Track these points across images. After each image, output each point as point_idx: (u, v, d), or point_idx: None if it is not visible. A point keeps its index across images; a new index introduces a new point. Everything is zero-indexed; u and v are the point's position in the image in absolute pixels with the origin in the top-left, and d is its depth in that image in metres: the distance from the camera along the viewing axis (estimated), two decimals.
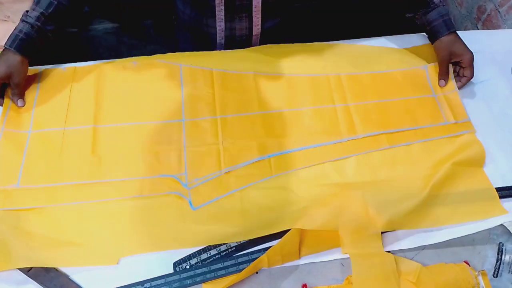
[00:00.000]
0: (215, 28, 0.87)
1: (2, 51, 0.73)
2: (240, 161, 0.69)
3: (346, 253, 0.61)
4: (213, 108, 0.75)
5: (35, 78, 0.78)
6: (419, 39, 0.89)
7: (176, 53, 0.83)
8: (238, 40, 0.90)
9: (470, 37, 0.87)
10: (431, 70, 0.83)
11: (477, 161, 0.72)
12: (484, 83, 0.83)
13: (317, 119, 0.75)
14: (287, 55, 0.84)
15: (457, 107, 0.78)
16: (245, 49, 0.85)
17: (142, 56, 0.82)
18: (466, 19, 1.30)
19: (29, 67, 0.76)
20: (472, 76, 0.80)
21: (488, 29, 1.18)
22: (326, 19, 1.58)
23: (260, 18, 0.86)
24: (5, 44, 0.72)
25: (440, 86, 0.80)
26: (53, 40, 0.76)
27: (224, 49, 0.91)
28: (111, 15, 1.59)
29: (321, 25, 1.57)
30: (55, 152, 0.69)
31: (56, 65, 0.81)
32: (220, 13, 0.84)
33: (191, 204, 0.65)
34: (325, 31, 0.99)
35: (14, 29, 0.73)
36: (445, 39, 0.80)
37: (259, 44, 0.91)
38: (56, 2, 0.73)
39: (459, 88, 0.80)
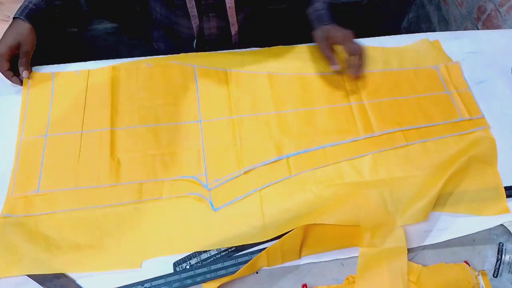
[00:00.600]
0: (185, 26, 0.88)
1: (12, 22, 0.75)
2: (259, 160, 0.70)
3: (364, 249, 0.61)
4: (229, 109, 0.76)
5: (49, 82, 0.78)
6: (418, 39, 0.89)
7: (189, 53, 0.83)
8: (207, 39, 0.91)
9: (470, 37, 0.88)
10: (442, 69, 0.83)
11: (490, 158, 0.72)
12: (484, 83, 0.83)
13: (333, 118, 0.76)
14: (299, 55, 0.84)
15: (470, 104, 0.79)
16: (256, 49, 0.85)
17: (154, 57, 0.82)
18: (466, 19, 1.29)
19: (41, 72, 0.78)
20: (358, 51, 0.76)
21: (488, 29, 1.18)
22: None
23: (235, 17, 0.86)
24: (15, 14, 0.75)
25: (333, 69, 0.78)
26: (59, 18, 0.79)
27: (196, 49, 0.91)
28: (111, 15, 1.59)
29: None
30: (73, 156, 0.69)
31: (60, 64, 0.81)
32: (193, 11, 0.84)
33: (212, 205, 0.65)
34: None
35: (24, 1, 0.75)
36: (317, 31, 0.81)
37: (239, 42, 0.91)
38: None
39: (358, 73, 0.77)
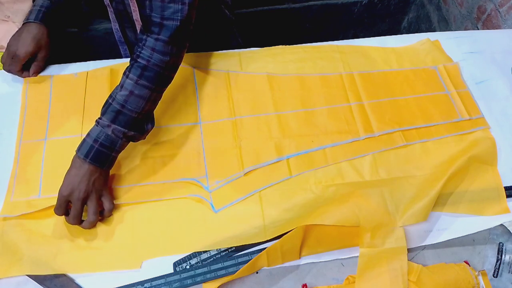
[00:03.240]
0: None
1: (25, 26, 0.75)
2: (259, 161, 0.70)
3: (364, 249, 0.61)
4: (229, 110, 0.76)
5: (47, 86, 0.77)
6: (419, 39, 0.89)
7: (188, 53, 0.82)
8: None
9: (470, 37, 0.87)
10: (441, 70, 0.83)
11: (490, 158, 0.72)
12: (484, 83, 0.83)
13: (333, 118, 0.76)
14: (298, 55, 0.84)
15: (470, 104, 0.79)
16: (255, 49, 0.85)
17: None
18: (466, 19, 1.29)
19: (40, 74, 0.78)
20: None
21: (488, 29, 1.17)
22: (323, 19, 1.58)
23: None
24: (27, 19, 0.75)
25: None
26: (66, 13, 0.80)
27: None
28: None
29: (317, 25, 1.57)
30: None
31: (60, 65, 0.81)
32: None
33: (213, 206, 0.66)
34: (321, 31, 0.98)
35: (34, 6, 0.76)
36: None
37: None
38: None
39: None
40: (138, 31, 0.74)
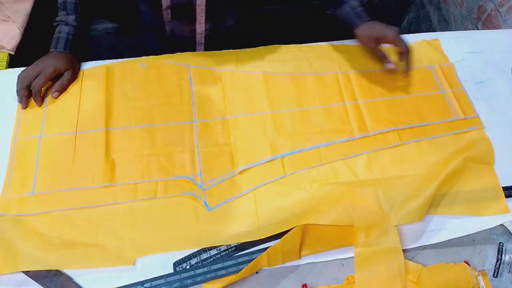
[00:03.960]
0: (180, 29, 0.87)
1: (54, 53, 0.77)
2: (253, 160, 0.70)
3: (358, 249, 0.61)
4: (223, 109, 0.76)
5: None
6: (418, 39, 0.89)
7: (185, 53, 0.83)
8: (192, 41, 0.90)
9: (470, 37, 0.88)
10: (436, 70, 0.84)
11: (486, 158, 0.72)
12: (484, 83, 0.83)
13: (328, 117, 0.76)
14: (293, 55, 0.84)
15: (465, 104, 0.79)
16: (251, 49, 0.85)
17: (150, 56, 0.82)
18: (466, 19, 1.30)
19: None
20: (407, 49, 0.75)
21: (488, 29, 1.18)
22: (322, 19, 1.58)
23: (204, 17, 0.84)
24: (55, 47, 0.77)
25: (387, 68, 0.79)
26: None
27: (186, 50, 0.90)
28: (111, 15, 1.59)
29: (316, 25, 1.57)
30: (68, 157, 0.69)
31: None
32: (167, 16, 0.84)
33: (206, 205, 0.66)
34: (321, 31, 0.98)
35: (59, 33, 0.78)
36: (360, 29, 0.79)
37: (204, 43, 0.90)
38: (78, 1, 0.80)
39: (407, 70, 0.77)
40: None
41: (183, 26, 0.86)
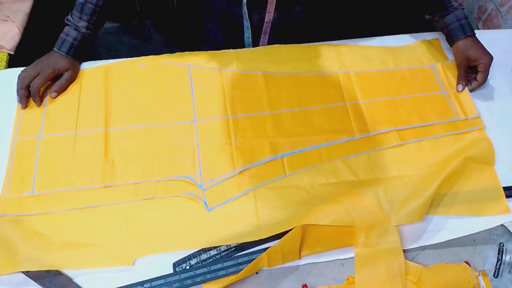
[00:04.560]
0: (242, 17, 0.87)
1: (56, 54, 0.76)
2: (254, 160, 0.70)
3: (359, 249, 0.61)
4: (224, 109, 0.76)
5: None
6: (419, 39, 0.89)
7: (184, 52, 0.83)
8: (264, 30, 0.90)
9: None
10: (439, 69, 0.83)
11: (487, 158, 0.72)
12: (484, 83, 0.83)
13: (328, 118, 0.76)
14: (294, 54, 0.84)
15: (467, 104, 0.78)
16: (252, 48, 0.85)
17: (149, 56, 0.82)
18: None
19: None
20: (483, 82, 0.79)
21: (488, 29, 1.17)
22: (337, 14, 1.58)
23: (274, 6, 0.85)
24: (59, 49, 0.76)
25: (457, 90, 0.80)
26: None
27: (252, 39, 0.91)
28: (111, 15, 1.59)
29: (317, 24, 1.57)
30: (67, 157, 0.69)
31: None
32: (243, 10, 0.84)
33: (206, 205, 0.66)
34: (321, 31, 0.98)
35: (67, 36, 0.77)
36: (461, 44, 0.80)
37: (269, 33, 0.91)
38: (98, 9, 0.78)
39: (470, 91, 0.80)
40: None
41: (253, 14, 0.86)
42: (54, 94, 0.75)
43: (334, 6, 1.47)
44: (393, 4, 1.38)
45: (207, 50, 0.86)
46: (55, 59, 0.76)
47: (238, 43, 0.91)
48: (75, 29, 0.77)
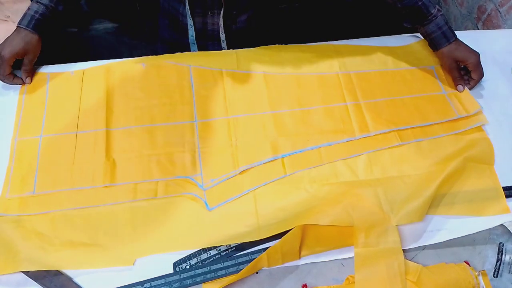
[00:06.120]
0: (188, 18, 0.88)
1: (17, 30, 0.75)
2: (254, 160, 0.70)
3: (358, 249, 0.61)
4: (224, 109, 0.76)
5: (44, 83, 0.78)
6: (418, 39, 0.89)
7: (185, 53, 0.84)
8: (210, 35, 0.91)
9: (470, 37, 0.87)
10: (438, 69, 0.84)
11: (486, 158, 0.72)
12: (484, 83, 0.83)
13: (329, 118, 0.76)
14: (294, 55, 0.84)
15: (467, 101, 0.78)
16: (252, 48, 0.85)
17: (150, 56, 0.82)
18: (467, 19, 1.30)
19: (36, 71, 0.79)
20: (480, 77, 0.80)
21: (488, 29, 1.17)
22: (324, 18, 1.58)
23: (222, 17, 0.86)
24: (20, 23, 0.75)
25: (459, 91, 0.80)
26: (62, 20, 0.80)
27: (196, 42, 0.91)
28: (111, 15, 1.60)
29: (317, 24, 1.57)
30: (69, 157, 0.69)
31: (61, 64, 0.81)
32: (186, 8, 0.85)
33: (207, 205, 0.66)
34: (322, 31, 0.99)
35: (28, 10, 0.76)
36: (446, 50, 0.80)
37: (230, 41, 0.91)
38: None
39: (461, 90, 0.80)
40: None
41: (195, 17, 0.87)
42: (28, 79, 0.77)
43: (286, 13, 1.47)
44: (370, 10, 1.38)
45: (158, 48, 0.86)
46: (12, 41, 0.74)
47: (184, 44, 0.92)
48: (37, 2, 0.76)
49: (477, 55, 0.79)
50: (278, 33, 1.02)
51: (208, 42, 0.92)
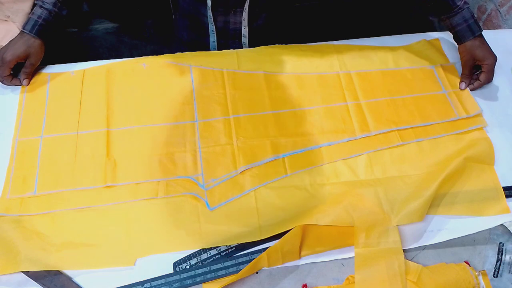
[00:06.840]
0: (209, 18, 0.87)
1: (20, 34, 0.76)
2: (255, 160, 0.70)
3: (359, 249, 0.61)
4: (225, 108, 0.76)
5: (44, 83, 0.78)
6: (418, 39, 0.89)
7: (185, 52, 0.84)
8: (232, 34, 0.90)
9: None
10: (438, 69, 0.84)
11: (487, 158, 0.72)
12: (487, 83, 0.83)
13: (330, 117, 0.76)
14: (295, 54, 0.84)
15: (468, 102, 0.79)
16: (252, 48, 0.85)
17: (150, 56, 0.82)
18: None
19: (37, 72, 0.79)
20: (487, 82, 0.80)
21: (488, 29, 1.17)
22: (324, 18, 1.58)
23: (247, 13, 0.86)
24: (23, 28, 0.76)
25: (460, 88, 0.80)
26: (66, 23, 0.81)
27: (217, 41, 0.91)
28: (111, 15, 1.59)
29: (317, 24, 1.57)
30: (69, 157, 0.69)
31: (61, 64, 0.81)
32: (207, 8, 0.84)
33: (208, 204, 0.66)
34: (322, 31, 0.99)
35: (32, 14, 0.76)
36: (469, 44, 0.80)
37: (249, 39, 0.91)
38: None
39: (471, 90, 0.81)
40: None
41: (217, 16, 0.86)
42: (25, 81, 0.77)
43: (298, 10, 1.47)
44: (394, 4, 1.38)
45: (173, 49, 0.85)
46: (15, 44, 0.75)
47: (203, 44, 0.92)
48: (41, 7, 0.76)
49: (495, 58, 0.79)
50: (289, 31, 1.02)
51: (229, 41, 0.92)
